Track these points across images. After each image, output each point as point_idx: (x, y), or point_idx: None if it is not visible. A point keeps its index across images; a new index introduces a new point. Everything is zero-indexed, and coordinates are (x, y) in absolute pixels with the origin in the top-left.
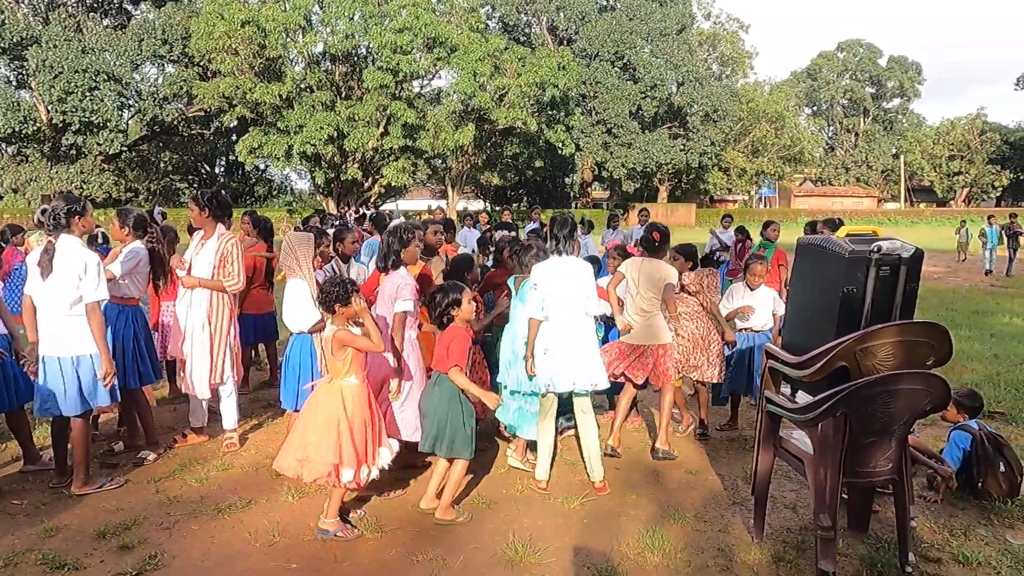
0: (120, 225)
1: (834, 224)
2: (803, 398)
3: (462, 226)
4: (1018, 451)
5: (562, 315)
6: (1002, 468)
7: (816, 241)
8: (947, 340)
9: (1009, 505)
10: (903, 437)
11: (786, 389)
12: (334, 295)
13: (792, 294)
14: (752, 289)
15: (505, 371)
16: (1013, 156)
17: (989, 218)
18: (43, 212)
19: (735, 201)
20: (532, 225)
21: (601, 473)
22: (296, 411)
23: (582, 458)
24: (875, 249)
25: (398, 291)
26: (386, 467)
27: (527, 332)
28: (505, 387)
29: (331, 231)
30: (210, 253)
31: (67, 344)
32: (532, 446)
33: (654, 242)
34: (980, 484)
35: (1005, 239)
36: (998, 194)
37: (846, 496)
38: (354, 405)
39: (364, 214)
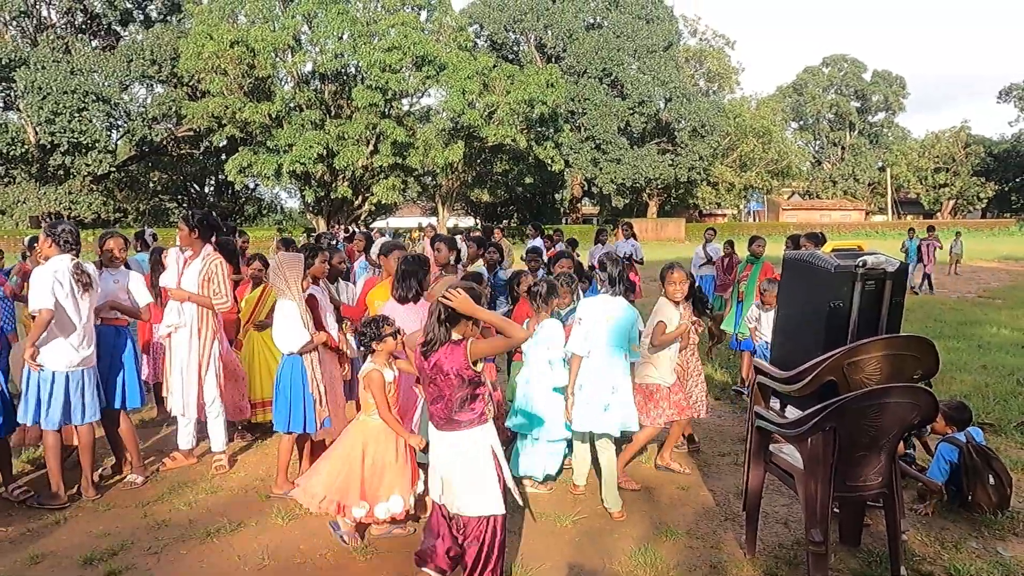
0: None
1: (817, 238)
2: (792, 413)
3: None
4: (1007, 462)
5: (600, 354)
6: (991, 481)
7: (802, 256)
8: (933, 353)
9: (1000, 517)
10: (893, 451)
11: (776, 404)
12: (368, 335)
13: (780, 309)
14: (769, 310)
15: (516, 415)
16: (997, 168)
17: (910, 231)
18: (63, 230)
19: (724, 215)
20: (533, 243)
21: (619, 504)
22: (289, 432)
23: (600, 485)
24: (860, 264)
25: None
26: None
27: (539, 372)
28: (524, 436)
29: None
30: (194, 273)
31: (92, 356)
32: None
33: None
34: (970, 497)
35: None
36: (983, 206)
37: (837, 510)
38: (376, 443)
39: (353, 232)
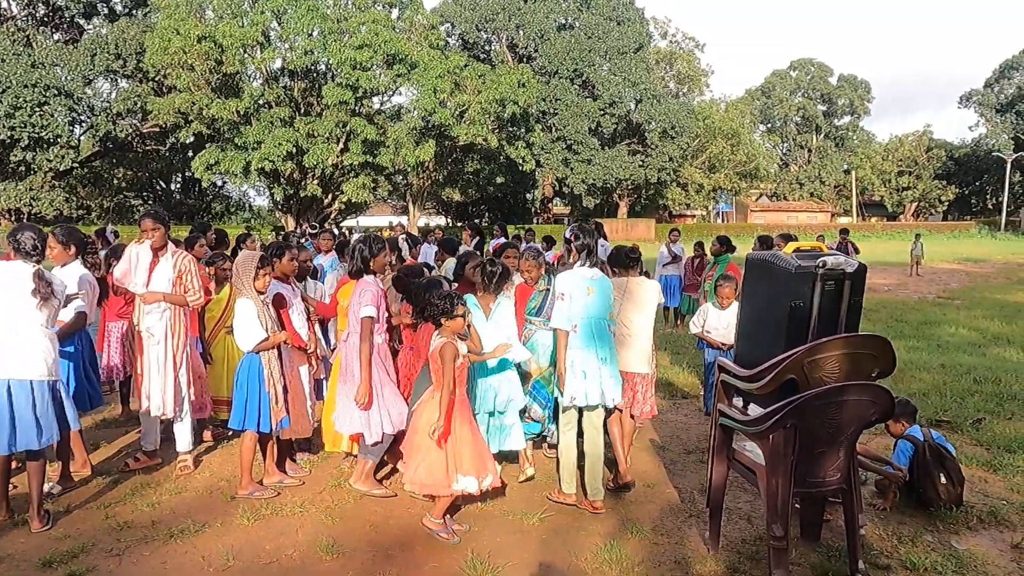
0: (65, 246)
1: (789, 239)
2: (755, 410)
3: (423, 241)
4: (963, 458)
5: (587, 327)
6: (942, 479)
7: (764, 257)
8: (890, 352)
9: (955, 512)
10: (851, 447)
11: (738, 401)
12: (439, 309)
13: (743, 309)
14: (723, 310)
15: (480, 393)
16: (958, 172)
17: (819, 238)
18: (25, 237)
19: (693, 216)
20: (497, 242)
21: (601, 493)
22: (242, 430)
23: (580, 472)
24: (820, 264)
25: (360, 296)
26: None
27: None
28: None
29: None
30: (168, 269)
31: (54, 367)
32: (501, 456)
33: (630, 260)
34: (921, 492)
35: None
36: (944, 208)
37: (798, 506)
38: (458, 417)
39: (314, 230)
